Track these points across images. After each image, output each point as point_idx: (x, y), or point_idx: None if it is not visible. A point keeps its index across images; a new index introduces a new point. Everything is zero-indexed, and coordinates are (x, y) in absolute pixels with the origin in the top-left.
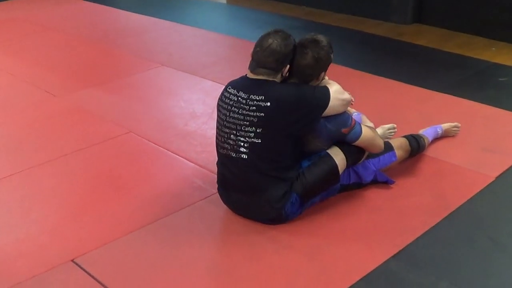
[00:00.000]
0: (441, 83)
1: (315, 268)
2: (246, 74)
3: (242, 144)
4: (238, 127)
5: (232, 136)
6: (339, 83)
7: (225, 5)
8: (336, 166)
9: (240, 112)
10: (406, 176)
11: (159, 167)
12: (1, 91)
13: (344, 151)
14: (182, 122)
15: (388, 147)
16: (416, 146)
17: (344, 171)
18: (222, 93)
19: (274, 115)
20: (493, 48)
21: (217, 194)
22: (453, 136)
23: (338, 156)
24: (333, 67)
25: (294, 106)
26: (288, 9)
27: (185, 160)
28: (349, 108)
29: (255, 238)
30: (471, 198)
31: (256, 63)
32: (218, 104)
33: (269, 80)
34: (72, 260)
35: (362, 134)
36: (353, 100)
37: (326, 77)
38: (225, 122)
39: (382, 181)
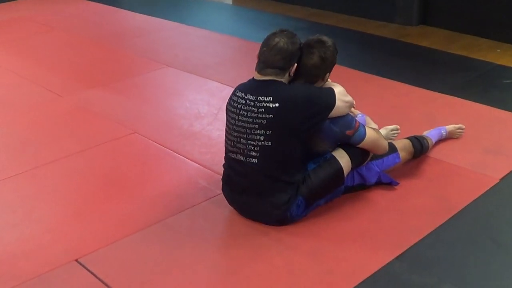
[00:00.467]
0: (446, 85)
1: (318, 269)
2: (253, 77)
3: (252, 148)
4: (248, 131)
5: (242, 140)
6: (343, 85)
7: (231, 6)
8: (341, 169)
9: (248, 115)
10: (410, 178)
11: (163, 167)
12: (6, 91)
13: (349, 153)
14: (187, 123)
15: (391, 149)
16: (420, 147)
17: (349, 173)
18: (231, 97)
19: (283, 116)
20: (498, 50)
21: (221, 195)
22: (457, 138)
23: (343, 158)
24: (337, 68)
25: (302, 106)
26: (293, 10)
27: (189, 161)
28: (353, 110)
29: (258, 239)
30: (474, 200)
31: (263, 64)
32: (226, 108)
33: (277, 81)
34: (76, 260)
35: (367, 136)
36: (354, 104)
37: (329, 80)
38: (234, 126)
39: (386, 183)
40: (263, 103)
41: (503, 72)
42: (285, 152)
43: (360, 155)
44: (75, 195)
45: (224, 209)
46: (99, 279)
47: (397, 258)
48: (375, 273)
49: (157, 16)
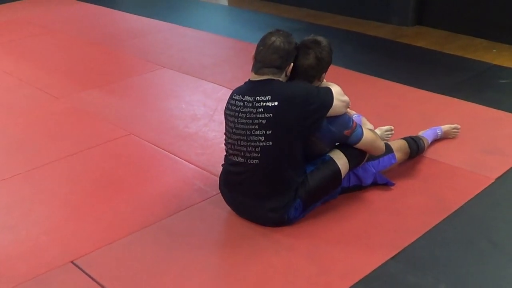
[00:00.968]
0: (442, 85)
1: (314, 269)
2: (249, 79)
3: (254, 149)
4: (248, 132)
5: (242, 142)
6: (339, 85)
7: (226, 7)
8: (339, 171)
9: (248, 116)
10: (405, 178)
11: (159, 169)
12: (3, 93)
13: (346, 154)
14: (183, 124)
15: (387, 149)
16: (415, 148)
17: (346, 174)
18: (228, 101)
19: (282, 114)
20: (494, 50)
21: (217, 196)
22: (453, 137)
23: (340, 160)
24: (333, 69)
25: (302, 103)
26: (289, 11)
27: (185, 162)
28: (349, 110)
29: (255, 240)
30: (470, 200)
31: (260, 63)
32: (225, 113)
33: (274, 79)
34: (72, 262)
35: (364, 136)
36: (349, 104)
37: (325, 80)
38: (234, 130)
39: (382, 183)
40: (261, 103)
41: (499, 72)
42: (286, 152)
43: (357, 156)
44: (71, 197)
45: (220, 210)
46: (95, 280)
47: (393, 258)
48: (371, 273)
49: (153, 18)
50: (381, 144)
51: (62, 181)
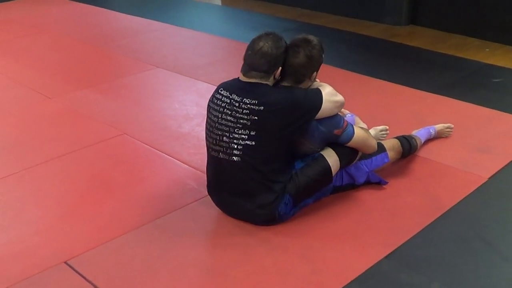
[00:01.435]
0: (435, 84)
1: (307, 268)
2: (239, 77)
3: (235, 146)
4: (231, 129)
5: (224, 138)
6: (332, 85)
7: (220, 6)
8: (329, 167)
9: (232, 114)
10: (398, 177)
11: (152, 169)
12: None
13: (338, 152)
14: (176, 124)
15: (380, 148)
16: (408, 147)
17: (337, 172)
18: (213, 95)
19: (267, 119)
20: (487, 49)
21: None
22: (446, 137)
23: (331, 157)
24: (327, 69)
25: (287, 110)
26: (283, 10)
27: (178, 162)
28: (342, 110)
29: (247, 239)
30: (463, 199)
31: (248, 66)
32: (208, 105)
33: (262, 83)
34: (65, 262)
35: (355, 135)
36: (344, 103)
37: (317, 80)
38: (216, 124)
39: (374, 182)
40: (248, 105)
41: (492, 71)
42: (269, 152)
43: (348, 154)
44: (64, 197)
45: (213, 210)
46: (88, 281)
47: (386, 257)
48: (364, 272)
49: (146, 17)
50: (373, 143)
51: (55, 181)
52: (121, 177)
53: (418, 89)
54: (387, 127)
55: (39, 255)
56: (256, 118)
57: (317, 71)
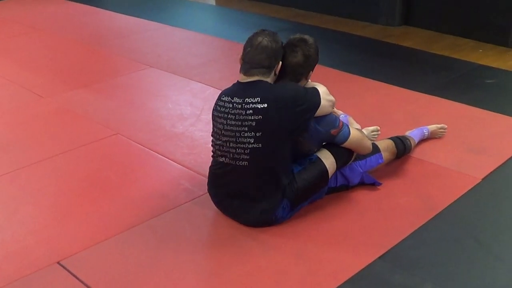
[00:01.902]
0: (428, 85)
1: (301, 269)
2: (238, 80)
3: (243, 151)
4: (237, 134)
5: (231, 144)
6: (326, 85)
7: (214, 6)
8: (326, 170)
9: (237, 118)
10: (392, 178)
11: (146, 169)
12: None
13: (334, 154)
14: (170, 123)
15: (374, 149)
16: (402, 148)
17: (333, 174)
18: (216, 103)
19: (272, 116)
20: (480, 50)
21: (204, 196)
22: (439, 137)
23: (328, 159)
24: (321, 69)
25: (291, 104)
26: (277, 11)
27: (172, 162)
28: (335, 110)
29: (241, 240)
30: (457, 200)
31: (248, 64)
32: (213, 114)
33: (263, 81)
34: (58, 262)
35: (351, 136)
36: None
37: (310, 80)
38: (222, 131)
39: (369, 183)
40: (251, 105)
41: (485, 72)
42: (275, 154)
43: (344, 155)
44: (58, 197)
45: (207, 210)
46: (81, 281)
47: (380, 258)
48: (358, 273)
49: (140, 17)
50: (368, 143)
51: (49, 181)
52: (115, 177)
53: (412, 89)
54: (379, 128)
55: (32, 255)
56: (261, 117)
57: (312, 70)
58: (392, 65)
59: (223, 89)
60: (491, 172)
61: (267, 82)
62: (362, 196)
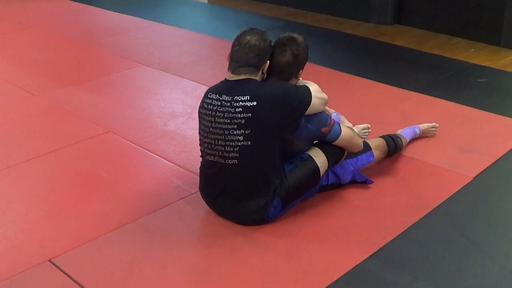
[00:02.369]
0: (420, 84)
1: (293, 268)
2: (226, 78)
3: (232, 149)
4: (226, 132)
5: (220, 142)
6: (318, 84)
7: (206, 4)
8: (317, 168)
9: (226, 116)
10: (384, 176)
11: (137, 167)
12: None
13: (325, 152)
14: (162, 121)
15: (366, 148)
16: (393, 146)
17: (324, 172)
18: (203, 101)
19: (261, 114)
20: (472, 49)
21: (196, 194)
22: (431, 136)
23: (319, 158)
24: (313, 67)
25: (280, 102)
26: (269, 9)
27: (164, 160)
28: (327, 108)
29: (233, 239)
30: (448, 198)
31: (236, 63)
32: (199, 112)
33: (252, 79)
34: (50, 260)
35: (342, 134)
36: (327, 101)
37: (301, 78)
38: (210, 129)
39: (360, 181)
40: (240, 103)
41: (477, 71)
42: (264, 151)
43: (336, 153)
44: (49, 195)
45: (199, 208)
46: (72, 279)
47: (371, 256)
48: (349, 271)
49: (132, 15)
50: (359, 141)
51: (40, 179)
52: (106, 175)
53: (404, 88)
54: (369, 126)
55: (24, 254)
56: (250, 115)
57: (302, 69)
58: (384, 64)
59: None
60: (482, 171)
61: (256, 80)
62: (353, 195)
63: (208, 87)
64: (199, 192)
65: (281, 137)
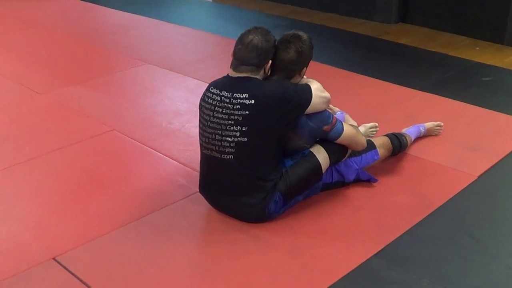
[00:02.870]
0: (425, 82)
1: (296, 266)
2: (228, 74)
3: (228, 144)
4: (223, 127)
5: (217, 136)
6: (322, 82)
7: (210, 3)
8: (319, 165)
9: (224, 111)
10: (388, 175)
11: (142, 165)
12: None
13: (327, 149)
14: (166, 120)
15: (370, 146)
16: (398, 144)
17: (327, 169)
18: (205, 94)
19: (258, 113)
20: (477, 48)
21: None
22: (436, 135)
23: (321, 154)
24: (317, 66)
25: (278, 102)
26: (273, 7)
27: (168, 158)
28: (332, 107)
29: (237, 236)
30: (453, 197)
31: (238, 61)
32: (200, 104)
33: (252, 78)
34: (54, 258)
35: (344, 132)
36: (330, 100)
37: (305, 76)
38: (208, 123)
39: (364, 180)
40: (238, 100)
41: (481, 70)
42: (261, 148)
43: (338, 151)
44: (54, 193)
45: (202, 206)
46: (76, 277)
47: (376, 255)
48: (353, 270)
49: (136, 13)
50: (363, 140)
51: (45, 177)
52: (111, 173)
53: (408, 87)
54: (377, 124)
55: (28, 251)
56: (248, 112)
57: (306, 67)
58: (388, 63)
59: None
60: (487, 170)
61: (256, 78)
62: (357, 193)
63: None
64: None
65: (280, 135)
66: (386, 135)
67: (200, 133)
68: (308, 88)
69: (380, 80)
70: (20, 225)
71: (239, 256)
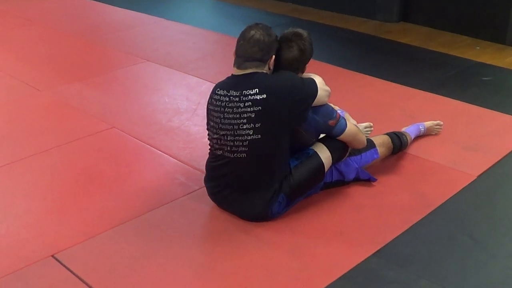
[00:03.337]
0: (425, 82)
1: (296, 265)
2: (232, 73)
3: (241, 143)
4: (235, 127)
5: (229, 137)
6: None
7: (211, 1)
8: (322, 165)
9: (235, 111)
10: (388, 174)
11: (141, 163)
12: None
13: (329, 148)
14: (166, 118)
15: (370, 145)
16: (398, 143)
17: (328, 169)
18: (211, 97)
19: (271, 106)
20: (477, 47)
21: (200, 191)
22: (435, 134)
23: (324, 154)
24: (318, 64)
25: (289, 94)
26: (274, 6)
27: (168, 156)
28: (333, 106)
29: (236, 235)
30: (452, 197)
31: (241, 58)
32: (208, 108)
33: (258, 72)
34: (53, 256)
35: (347, 128)
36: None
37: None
38: (220, 125)
39: (364, 179)
40: (249, 97)
41: (482, 69)
42: (273, 145)
43: (339, 150)
44: (53, 190)
45: (202, 204)
46: (75, 274)
47: (375, 254)
48: (352, 269)
49: (137, 10)
50: (363, 138)
51: (44, 174)
52: (110, 171)
53: (408, 86)
54: (372, 124)
55: (27, 249)
56: (260, 108)
57: (307, 63)
58: (389, 62)
59: None
60: (486, 170)
61: (263, 72)
62: (357, 192)
63: (215, 84)
64: (203, 188)
65: (290, 129)
66: (386, 134)
67: (209, 135)
68: (313, 81)
69: (380, 79)
70: (19, 222)
71: (238, 255)
